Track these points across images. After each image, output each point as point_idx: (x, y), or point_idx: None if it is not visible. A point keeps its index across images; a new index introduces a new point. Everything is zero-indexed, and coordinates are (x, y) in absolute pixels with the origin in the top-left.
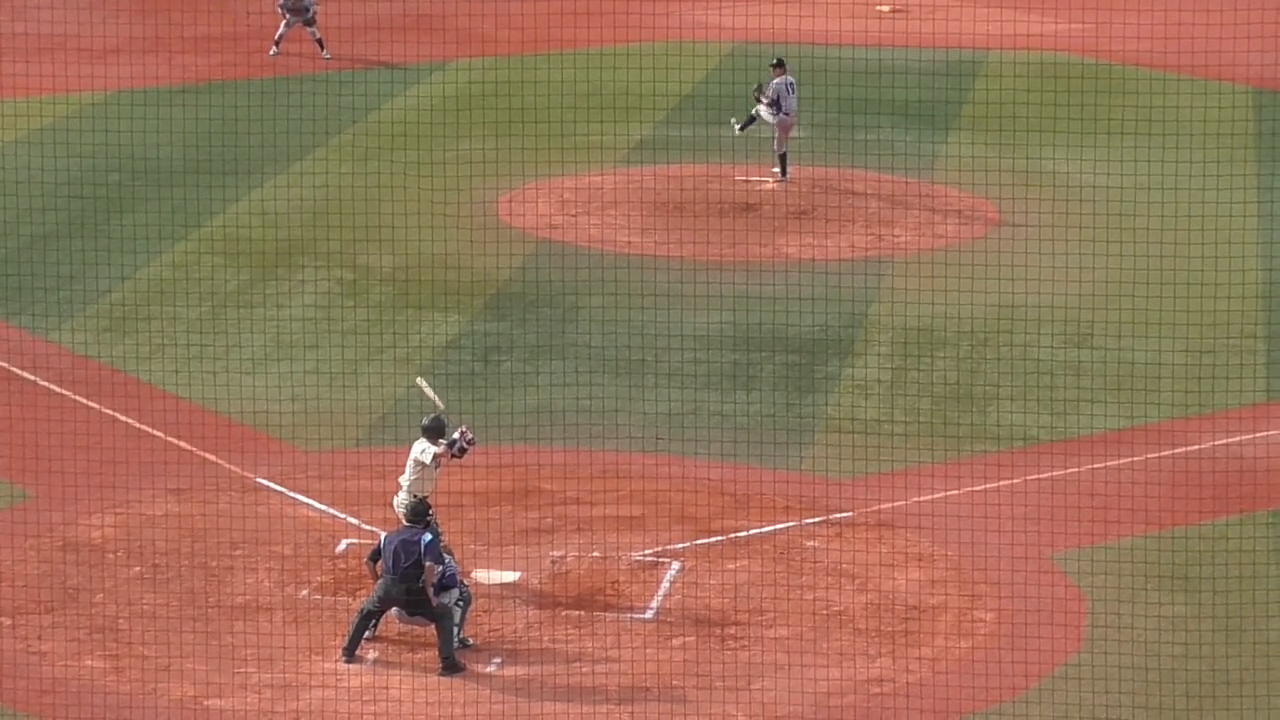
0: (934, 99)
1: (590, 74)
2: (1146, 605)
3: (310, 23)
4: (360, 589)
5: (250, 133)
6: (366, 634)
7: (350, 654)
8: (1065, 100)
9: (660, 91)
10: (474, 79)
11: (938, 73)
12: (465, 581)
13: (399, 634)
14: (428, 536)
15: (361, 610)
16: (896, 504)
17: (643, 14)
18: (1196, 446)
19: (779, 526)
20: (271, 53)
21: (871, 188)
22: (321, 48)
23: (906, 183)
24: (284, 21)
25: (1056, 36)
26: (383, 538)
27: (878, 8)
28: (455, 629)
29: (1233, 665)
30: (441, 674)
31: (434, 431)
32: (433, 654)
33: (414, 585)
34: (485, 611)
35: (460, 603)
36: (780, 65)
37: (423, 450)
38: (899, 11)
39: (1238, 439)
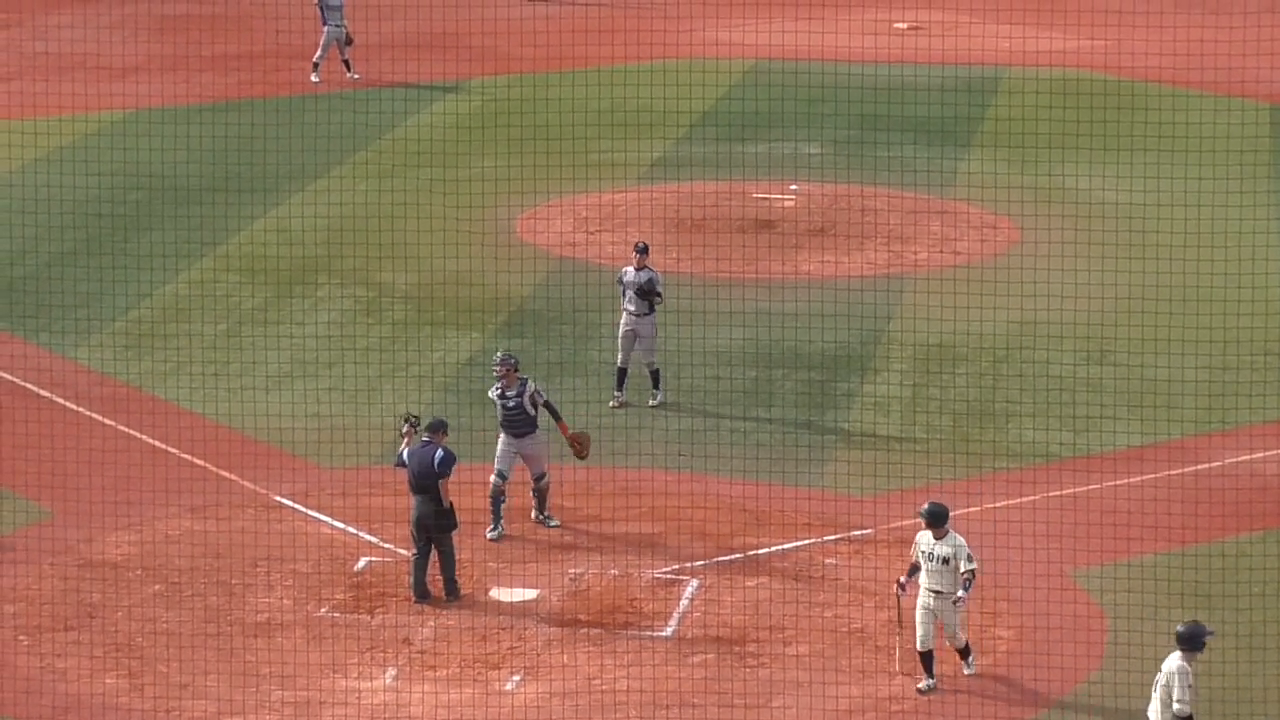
0: (952, 116)
1: (609, 91)
2: (1167, 623)
3: (349, 41)
4: (379, 606)
5: (270, 151)
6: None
7: (419, 592)
8: (1084, 117)
9: (679, 109)
10: (493, 97)
11: (956, 89)
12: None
13: (419, 650)
14: (440, 452)
15: (413, 557)
16: (916, 521)
17: (662, 32)
18: (1217, 463)
19: (798, 544)
20: (313, 79)
21: (890, 204)
22: (349, 68)
23: (926, 199)
24: (322, 45)
25: (1078, 54)
26: (405, 453)
27: (895, 25)
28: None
29: (1255, 683)
30: (447, 597)
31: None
32: (454, 669)
33: (439, 496)
34: (504, 629)
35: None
36: (644, 252)
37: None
38: (917, 29)
39: (1259, 455)
